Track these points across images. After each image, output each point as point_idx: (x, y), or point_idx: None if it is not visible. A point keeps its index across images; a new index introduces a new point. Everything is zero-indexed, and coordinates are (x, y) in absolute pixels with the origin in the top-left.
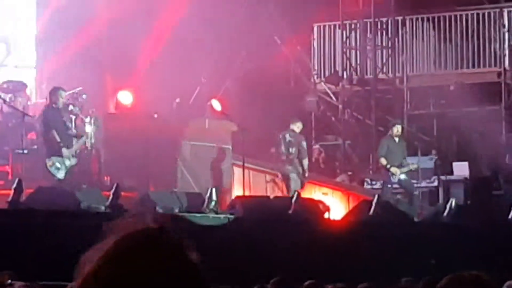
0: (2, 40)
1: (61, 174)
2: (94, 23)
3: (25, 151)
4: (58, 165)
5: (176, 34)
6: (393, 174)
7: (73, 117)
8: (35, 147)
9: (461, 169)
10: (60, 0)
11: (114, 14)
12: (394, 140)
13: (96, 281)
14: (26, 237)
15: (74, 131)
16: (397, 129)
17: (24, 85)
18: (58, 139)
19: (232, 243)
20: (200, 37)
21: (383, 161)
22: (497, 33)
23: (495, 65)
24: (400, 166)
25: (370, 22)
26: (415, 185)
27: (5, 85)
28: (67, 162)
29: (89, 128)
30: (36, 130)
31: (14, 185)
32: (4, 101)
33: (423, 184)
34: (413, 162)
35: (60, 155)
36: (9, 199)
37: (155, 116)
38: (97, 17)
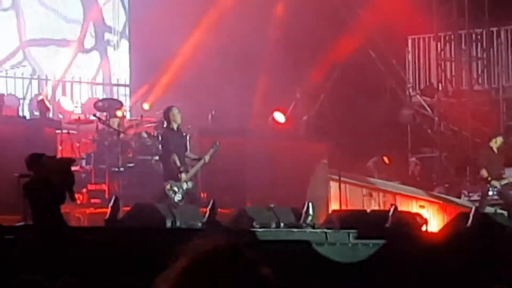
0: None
1: (178, 197)
2: (189, 39)
3: (121, 169)
4: (175, 189)
5: (272, 49)
6: (493, 186)
7: (188, 136)
8: (131, 164)
9: None
10: (152, 18)
11: (205, 31)
12: (494, 152)
13: None
14: (123, 254)
15: (193, 155)
16: (495, 141)
17: (119, 103)
18: (179, 164)
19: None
20: (295, 51)
21: (484, 173)
22: None
23: None
24: (499, 178)
25: (465, 34)
26: None
27: (100, 103)
28: (185, 186)
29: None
30: (132, 148)
31: (111, 203)
32: (100, 119)
33: None
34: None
35: (179, 180)
36: (106, 217)
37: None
38: (193, 33)
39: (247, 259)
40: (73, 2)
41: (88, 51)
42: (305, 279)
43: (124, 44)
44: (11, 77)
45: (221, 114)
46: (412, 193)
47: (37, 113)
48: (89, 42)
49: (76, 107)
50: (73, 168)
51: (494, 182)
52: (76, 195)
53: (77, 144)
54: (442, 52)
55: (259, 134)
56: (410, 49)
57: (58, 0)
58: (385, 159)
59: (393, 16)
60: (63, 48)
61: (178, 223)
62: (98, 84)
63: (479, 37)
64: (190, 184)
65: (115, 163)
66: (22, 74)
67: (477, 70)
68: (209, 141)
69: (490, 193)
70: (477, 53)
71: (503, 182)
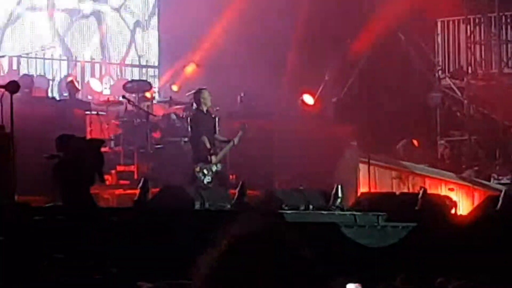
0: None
1: (207, 179)
2: (216, 22)
3: (150, 151)
4: (205, 171)
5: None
6: None
7: (217, 119)
8: (160, 146)
9: None
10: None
11: (234, 12)
12: None
13: (215, 281)
14: (152, 236)
15: (222, 137)
16: None
17: (148, 84)
18: (209, 146)
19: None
20: (324, 34)
21: None
22: None
23: None
24: None
25: (495, 16)
26: None
27: (129, 85)
28: (214, 168)
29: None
30: (161, 129)
31: (140, 185)
32: (129, 100)
33: None
34: None
35: (208, 162)
36: (135, 198)
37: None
38: (218, 15)
39: (288, 241)
40: None
41: (117, 32)
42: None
43: (154, 26)
44: (41, 58)
45: (250, 97)
46: (441, 176)
47: (66, 94)
48: (118, 23)
49: (105, 88)
50: (102, 149)
51: None
52: (105, 176)
53: (106, 126)
54: (472, 35)
55: (288, 116)
56: (439, 32)
57: None
58: (415, 142)
59: None
60: (91, 30)
61: (206, 205)
62: (127, 65)
63: (509, 20)
64: (219, 166)
65: (144, 145)
66: (52, 55)
67: (507, 53)
68: (238, 124)
69: None
70: (507, 36)
71: None
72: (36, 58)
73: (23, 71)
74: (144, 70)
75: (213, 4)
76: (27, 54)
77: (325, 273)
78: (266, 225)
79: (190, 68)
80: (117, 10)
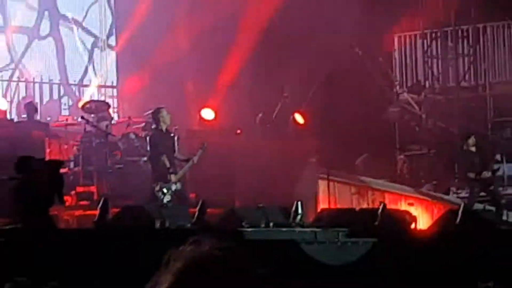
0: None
1: (167, 198)
2: (175, 39)
3: (110, 171)
4: (165, 190)
5: (257, 48)
6: (484, 178)
7: (176, 137)
8: (120, 166)
9: None
10: (138, 18)
11: (194, 30)
12: (472, 152)
13: None
14: (113, 256)
15: (181, 156)
16: (469, 141)
17: (107, 105)
18: (168, 165)
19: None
20: (282, 50)
21: (471, 174)
22: None
23: None
24: (487, 169)
25: (451, 30)
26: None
27: (88, 105)
28: (173, 187)
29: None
30: (120, 150)
31: (100, 205)
32: (88, 121)
33: (509, 191)
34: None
35: (168, 181)
36: (95, 219)
37: (238, 132)
38: (177, 33)
39: (241, 261)
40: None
41: (75, 52)
42: (295, 279)
43: (111, 45)
44: None
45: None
46: (400, 191)
47: (25, 116)
48: (76, 43)
49: (64, 109)
50: (61, 170)
51: (485, 173)
52: (65, 197)
53: (65, 146)
54: (429, 49)
55: (247, 133)
56: (396, 46)
57: None
58: (373, 157)
59: (379, 13)
60: (49, 50)
61: (167, 224)
62: (85, 86)
63: (465, 33)
64: (179, 185)
65: (103, 165)
66: (10, 76)
67: (464, 67)
68: (197, 142)
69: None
70: (463, 50)
71: (495, 168)
72: None
73: None
74: (102, 90)
75: (168, 18)
76: None
77: None
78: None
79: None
80: (75, 30)
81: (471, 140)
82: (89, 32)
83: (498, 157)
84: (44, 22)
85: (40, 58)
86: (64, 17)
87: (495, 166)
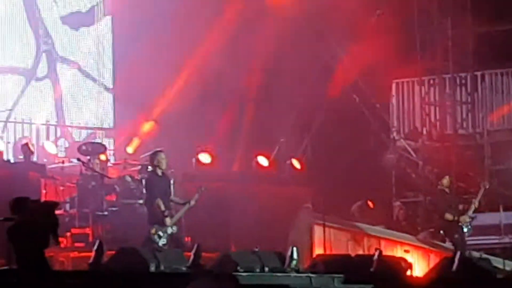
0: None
1: (162, 242)
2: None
3: (105, 213)
4: (160, 233)
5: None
6: (465, 222)
7: (172, 181)
8: (115, 208)
9: None
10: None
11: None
12: (447, 192)
13: None
14: None
15: (178, 199)
16: (444, 182)
17: (103, 147)
18: (163, 208)
19: None
20: (279, 96)
21: (449, 216)
22: None
23: None
24: (464, 212)
25: (449, 78)
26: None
27: (84, 147)
28: (169, 230)
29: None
30: (115, 192)
31: (95, 247)
32: (83, 163)
33: (506, 239)
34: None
35: (163, 224)
36: (90, 261)
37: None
38: (175, 77)
39: None
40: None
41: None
42: None
43: (108, 88)
44: None
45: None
46: (396, 238)
47: (21, 157)
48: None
49: (60, 150)
50: (57, 212)
51: (464, 218)
52: (60, 239)
53: (61, 188)
54: (426, 96)
55: (243, 178)
56: (394, 93)
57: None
58: (370, 203)
59: (377, 60)
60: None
61: (162, 267)
62: (82, 127)
63: (463, 81)
64: (175, 228)
65: (99, 207)
66: (6, 118)
67: (462, 114)
68: (193, 185)
69: (465, 230)
70: (461, 97)
71: (470, 211)
72: None
73: None
74: (98, 132)
75: (167, 63)
76: None
77: None
78: None
79: (146, 127)
80: (72, 72)
81: (445, 181)
82: (87, 75)
83: (476, 202)
84: (42, 63)
85: (37, 99)
86: (63, 59)
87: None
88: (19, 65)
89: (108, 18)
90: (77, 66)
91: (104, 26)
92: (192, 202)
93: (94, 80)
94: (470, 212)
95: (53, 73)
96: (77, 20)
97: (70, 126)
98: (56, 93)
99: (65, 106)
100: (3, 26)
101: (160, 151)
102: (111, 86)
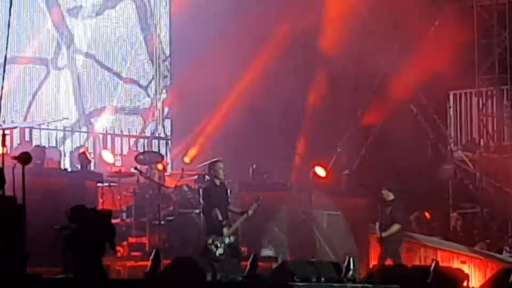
0: (139, 112)
1: (219, 252)
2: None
3: (162, 222)
4: (217, 243)
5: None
6: None
7: (229, 190)
8: (172, 218)
9: None
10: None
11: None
12: None
13: None
14: None
15: (236, 209)
16: None
17: (160, 156)
18: (221, 218)
19: None
20: (338, 105)
21: None
22: None
23: None
24: None
25: (507, 89)
26: None
27: (141, 156)
28: (226, 240)
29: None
30: (172, 201)
31: (151, 256)
32: (141, 172)
33: None
34: None
35: (221, 234)
36: (146, 270)
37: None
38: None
39: None
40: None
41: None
42: None
43: (164, 96)
44: (53, 129)
45: (261, 168)
46: (453, 249)
47: (78, 166)
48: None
49: (117, 159)
50: (113, 221)
51: None
52: (117, 248)
53: (118, 197)
54: (484, 108)
55: (300, 188)
56: (451, 104)
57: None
58: (427, 214)
59: (435, 71)
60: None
61: (218, 277)
62: (139, 137)
63: None
64: (232, 238)
65: (156, 216)
66: (64, 126)
67: None
68: (250, 195)
69: None
70: None
71: None
72: (48, 129)
73: (36, 142)
74: (155, 141)
75: (224, 74)
76: (39, 125)
77: None
78: None
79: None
80: (131, 82)
81: None
82: (143, 85)
83: None
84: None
85: (95, 107)
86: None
87: None
88: (40, 55)
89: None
90: (119, 76)
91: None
92: (250, 212)
93: (149, 91)
94: None
95: (113, 78)
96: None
97: (127, 135)
98: (113, 102)
99: (122, 115)
100: (23, 15)
101: (218, 161)
102: (166, 96)
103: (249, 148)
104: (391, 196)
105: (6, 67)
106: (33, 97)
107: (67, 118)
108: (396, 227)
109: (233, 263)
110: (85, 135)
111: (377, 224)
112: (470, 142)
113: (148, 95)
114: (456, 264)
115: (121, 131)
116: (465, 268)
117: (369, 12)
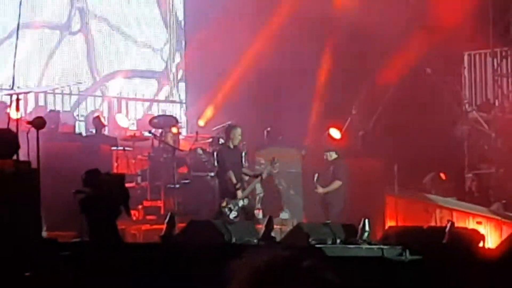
0: (153, 76)
1: (233, 215)
2: (242, 57)
3: (177, 186)
4: (231, 206)
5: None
6: None
7: (244, 153)
8: (187, 181)
9: None
10: (205, 37)
11: (261, 47)
12: None
13: None
14: (180, 271)
15: (250, 171)
16: None
17: (174, 120)
18: (235, 181)
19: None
20: (352, 67)
21: None
22: None
23: None
24: None
25: None
26: None
27: (156, 120)
28: (241, 203)
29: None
30: (187, 164)
31: (167, 220)
32: (155, 136)
33: None
34: None
35: (235, 197)
36: (162, 233)
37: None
38: (244, 50)
39: (306, 267)
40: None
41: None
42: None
43: (179, 61)
44: (67, 94)
45: (276, 131)
46: (469, 209)
47: (93, 130)
48: (144, 58)
49: (131, 123)
50: (128, 185)
51: None
52: (132, 212)
53: (133, 161)
54: (499, 68)
55: (315, 150)
56: (466, 65)
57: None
58: (442, 175)
59: (449, 32)
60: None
61: (233, 239)
62: (153, 100)
63: None
64: (246, 201)
65: (171, 180)
66: (79, 90)
67: None
68: (264, 158)
69: None
70: None
71: None
72: (62, 94)
73: (50, 106)
74: (170, 105)
75: (239, 39)
76: (54, 89)
77: None
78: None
79: (215, 103)
80: (145, 46)
81: None
82: (159, 49)
83: None
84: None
85: (109, 71)
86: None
87: None
88: (53, 20)
89: None
90: (133, 40)
91: None
92: (264, 175)
93: (164, 55)
94: None
95: (126, 44)
96: None
97: (141, 99)
98: (126, 66)
99: (136, 78)
100: None
101: (235, 126)
102: (182, 60)
103: (263, 111)
104: (334, 156)
105: (20, 33)
106: (47, 62)
107: (81, 83)
108: (337, 183)
109: (248, 226)
110: (100, 99)
111: (316, 176)
112: (485, 103)
113: (162, 59)
114: (471, 225)
115: (135, 95)
116: (481, 229)
117: None
